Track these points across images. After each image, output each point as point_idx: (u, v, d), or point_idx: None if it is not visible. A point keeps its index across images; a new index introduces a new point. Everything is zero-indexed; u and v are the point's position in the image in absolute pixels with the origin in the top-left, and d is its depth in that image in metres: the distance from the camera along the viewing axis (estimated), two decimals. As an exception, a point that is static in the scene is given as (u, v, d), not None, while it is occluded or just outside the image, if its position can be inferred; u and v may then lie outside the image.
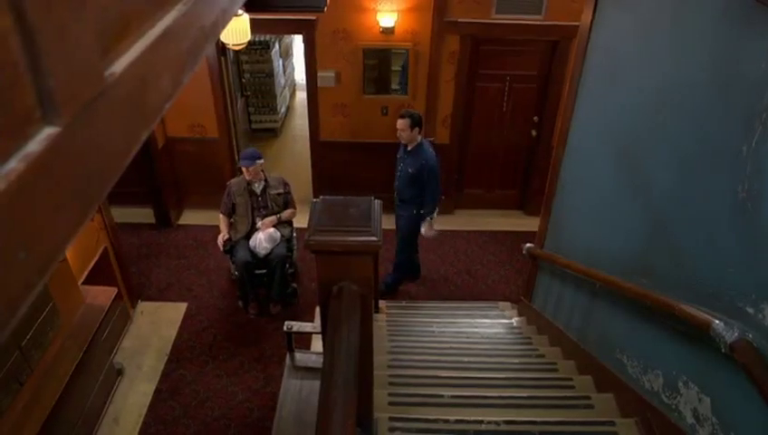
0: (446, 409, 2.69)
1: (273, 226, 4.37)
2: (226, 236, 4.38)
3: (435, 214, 4.48)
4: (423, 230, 4.51)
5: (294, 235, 4.70)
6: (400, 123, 4.23)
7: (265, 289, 4.57)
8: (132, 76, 0.54)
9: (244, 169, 4.27)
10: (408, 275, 5.06)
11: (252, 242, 4.32)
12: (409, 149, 4.34)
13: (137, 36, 0.57)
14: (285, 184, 4.51)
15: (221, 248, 4.39)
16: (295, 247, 4.76)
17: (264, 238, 4.29)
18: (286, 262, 4.43)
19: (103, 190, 0.52)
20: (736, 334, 1.77)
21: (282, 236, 4.40)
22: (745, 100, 1.81)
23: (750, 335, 1.75)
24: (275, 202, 4.42)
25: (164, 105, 0.64)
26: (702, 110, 2.11)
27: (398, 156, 4.50)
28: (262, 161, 4.30)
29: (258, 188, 4.35)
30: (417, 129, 4.24)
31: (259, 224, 4.35)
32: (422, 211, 4.44)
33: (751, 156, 1.74)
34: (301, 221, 5.06)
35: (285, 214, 4.48)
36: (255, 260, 4.34)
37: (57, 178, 0.43)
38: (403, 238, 4.72)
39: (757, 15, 1.76)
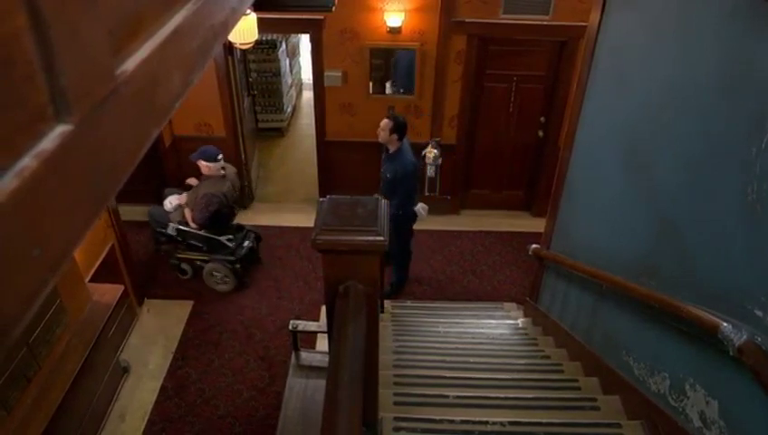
0: (451, 409, 2.68)
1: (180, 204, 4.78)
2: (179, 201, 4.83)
3: (418, 205, 4.52)
4: (419, 212, 4.55)
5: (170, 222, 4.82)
6: (383, 122, 4.23)
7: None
8: (143, 75, 0.54)
9: None
10: (407, 267, 5.01)
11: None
12: (390, 152, 4.32)
13: (148, 35, 0.57)
14: (210, 194, 4.53)
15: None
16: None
17: (170, 200, 4.83)
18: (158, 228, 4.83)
19: (114, 188, 0.52)
20: (745, 337, 1.75)
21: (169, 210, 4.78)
22: (755, 100, 1.80)
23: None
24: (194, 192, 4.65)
25: (174, 103, 0.64)
26: (711, 110, 2.10)
27: (382, 159, 4.49)
28: (204, 163, 4.55)
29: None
30: (395, 135, 4.21)
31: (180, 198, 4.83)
32: (400, 212, 4.34)
33: (761, 157, 1.73)
34: (305, 221, 5.08)
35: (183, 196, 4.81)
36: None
37: (70, 176, 0.43)
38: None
39: (766, 15, 1.75)
